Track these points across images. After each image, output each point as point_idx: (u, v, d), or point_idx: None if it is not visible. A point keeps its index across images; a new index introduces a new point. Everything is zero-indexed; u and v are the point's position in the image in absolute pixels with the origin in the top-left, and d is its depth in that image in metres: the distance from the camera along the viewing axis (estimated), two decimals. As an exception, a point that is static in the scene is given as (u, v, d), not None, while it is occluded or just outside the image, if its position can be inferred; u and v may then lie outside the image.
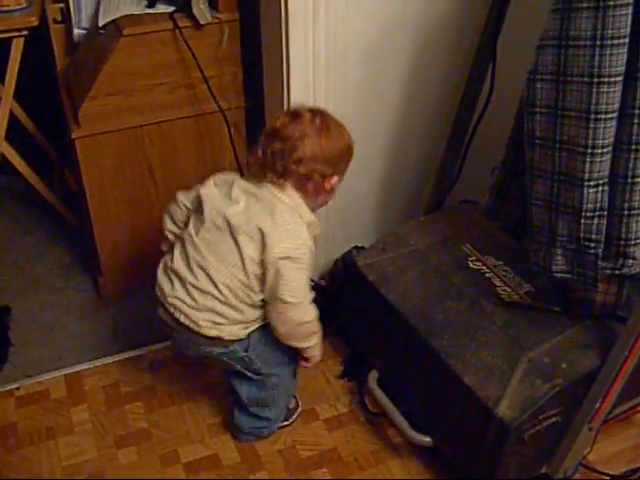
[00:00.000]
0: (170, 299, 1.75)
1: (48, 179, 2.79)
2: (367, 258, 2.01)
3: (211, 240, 1.72)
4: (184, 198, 1.85)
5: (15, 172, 2.65)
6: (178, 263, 1.75)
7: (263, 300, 1.76)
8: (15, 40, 2.35)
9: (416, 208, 2.36)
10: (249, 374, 1.87)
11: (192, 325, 1.74)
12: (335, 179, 1.75)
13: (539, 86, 1.50)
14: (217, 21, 2.08)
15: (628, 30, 1.34)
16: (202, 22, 2.04)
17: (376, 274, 1.96)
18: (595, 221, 1.52)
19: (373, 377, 2.00)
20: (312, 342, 1.86)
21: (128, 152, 2.19)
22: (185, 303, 1.74)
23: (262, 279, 1.71)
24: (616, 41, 1.35)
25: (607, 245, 1.56)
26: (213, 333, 1.75)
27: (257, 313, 1.79)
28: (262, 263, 1.68)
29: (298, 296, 1.73)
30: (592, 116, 1.41)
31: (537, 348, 1.68)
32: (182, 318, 1.75)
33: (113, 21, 2.09)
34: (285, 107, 2.02)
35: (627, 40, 1.35)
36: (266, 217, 1.68)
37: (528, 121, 1.55)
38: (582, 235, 1.54)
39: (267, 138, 1.69)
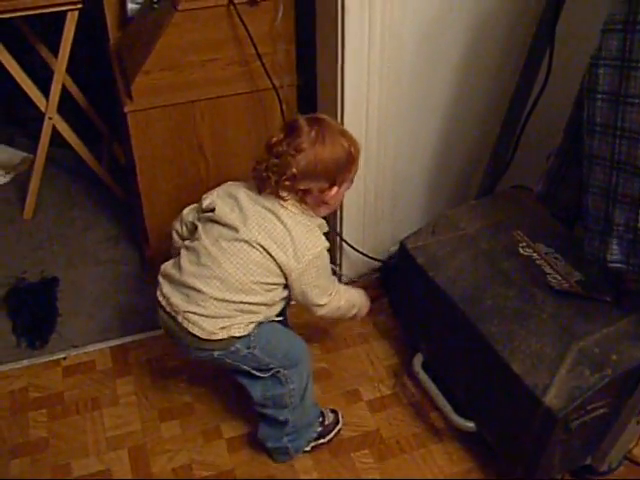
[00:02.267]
0: (185, 313, 1.68)
1: (97, 152, 2.82)
2: (416, 241, 1.99)
3: (228, 250, 1.67)
4: (190, 216, 1.85)
5: (65, 145, 2.68)
6: (190, 276, 1.69)
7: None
8: (69, 13, 2.37)
9: (467, 192, 2.34)
10: (258, 373, 1.78)
11: (204, 334, 1.68)
12: (335, 190, 1.72)
13: (602, 71, 1.47)
14: (272, -3, 2.07)
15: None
16: (257, -2, 2.04)
17: (425, 257, 1.95)
18: (654, 211, 1.49)
19: (418, 360, 2.00)
20: (353, 312, 1.94)
21: (179, 127, 2.19)
22: (201, 315, 1.67)
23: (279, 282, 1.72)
24: (686, 26, 1.32)
25: (665, 236, 1.53)
26: (223, 336, 1.69)
27: (263, 314, 1.75)
28: (285, 274, 1.69)
29: (328, 294, 1.80)
30: (656, 104, 1.38)
31: (587, 338, 1.66)
32: (196, 330, 1.68)
33: (168, -5, 2.09)
34: (339, 86, 2.01)
35: (697, 25, 1.32)
36: (281, 231, 1.68)
37: (588, 107, 1.52)
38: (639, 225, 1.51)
39: (265, 153, 1.69)
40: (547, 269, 1.84)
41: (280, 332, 1.83)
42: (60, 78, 2.51)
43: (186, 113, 2.17)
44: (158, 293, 1.76)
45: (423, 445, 1.98)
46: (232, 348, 1.71)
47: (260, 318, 1.73)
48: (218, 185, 2.29)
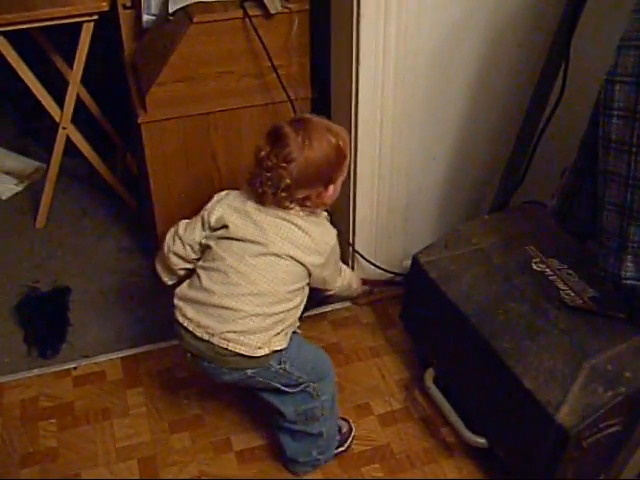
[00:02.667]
0: (223, 334, 1.65)
1: (110, 163, 2.83)
2: (429, 255, 1.99)
3: (258, 266, 1.67)
4: (194, 236, 1.79)
5: (78, 155, 2.68)
6: (222, 296, 1.67)
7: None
8: (85, 25, 2.39)
9: (480, 207, 2.34)
10: (288, 389, 1.76)
11: (248, 351, 1.66)
12: (331, 189, 1.72)
13: (618, 88, 1.47)
14: (287, 11, 2.07)
15: None
16: (272, 11, 2.04)
17: (438, 271, 1.94)
18: (669, 228, 1.48)
19: (430, 375, 1.99)
20: (353, 288, 2.14)
21: (193, 139, 2.20)
22: (241, 332, 1.66)
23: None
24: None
25: (679, 254, 1.53)
26: (265, 351, 1.68)
27: (293, 317, 1.76)
28: (309, 272, 1.73)
29: (340, 275, 1.97)
30: (673, 121, 1.38)
31: (600, 355, 1.65)
32: (238, 348, 1.65)
33: (183, 8, 2.09)
34: (353, 100, 2.01)
35: None
36: (300, 235, 1.69)
37: (604, 123, 1.52)
38: (655, 242, 1.51)
39: (255, 167, 1.68)
40: (560, 285, 1.83)
41: (306, 345, 1.84)
42: (75, 89, 2.52)
43: (200, 125, 2.18)
44: (181, 318, 1.71)
45: (434, 460, 1.97)
46: (266, 365, 1.70)
47: (289, 322, 1.74)
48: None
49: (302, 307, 1.80)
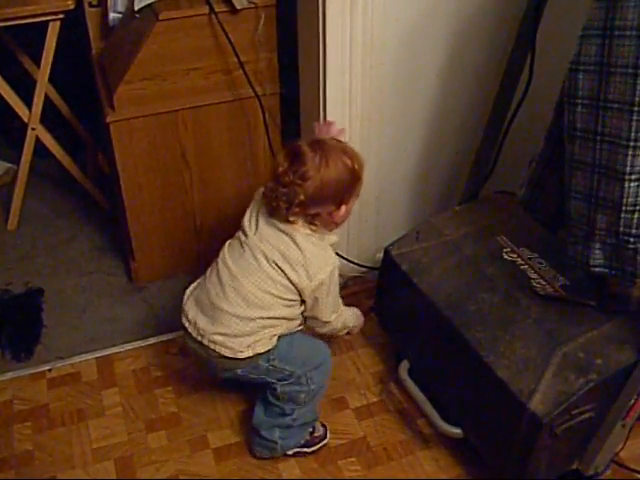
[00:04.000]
0: (211, 335, 1.75)
1: (81, 162, 2.81)
2: (400, 247, 1.99)
3: (247, 269, 1.75)
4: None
5: (49, 155, 2.67)
6: (215, 297, 1.77)
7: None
8: (51, 23, 2.37)
9: (451, 198, 2.34)
10: (281, 384, 1.83)
11: (230, 353, 1.75)
12: (343, 209, 1.77)
13: (581, 77, 1.47)
14: (253, 6, 2.07)
15: (676, 21, 1.31)
16: (238, 7, 2.03)
17: (409, 264, 1.95)
18: (635, 215, 1.49)
19: (404, 367, 1.99)
20: (349, 328, 2.02)
21: (162, 137, 2.19)
22: (226, 335, 1.74)
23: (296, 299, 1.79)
24: (663, 32, 1.32)
25: (647, 240, 1.54)
26: (248, 354, 1.75)
27: (287, 328, 1.82)
28: (299, 291, 1.76)
29: (336, 310, 1.89)
30: (636, 108, 1.38)
31: (572, 342, 1.66)
32: (222, 350, 1.75)
33: (149, 5, 2.08)
34: (321, 95, 2.01)
35: (674, 31, 1.32)
36: (295, 252, 1.74)
37: (569, 112, 1.53)
38: (621, 230, 1.51)
39: (273, 182, 1.73)
40: (531, 274, 1.84)
41: (299, 340, 1.87)
42: (42, 88, 2.50)
43: (169, 122, 2.17)
44: (184, 319, 1.82)
45: (410, 452, 1.97)
46: (253, 364, 1.77)
47: (281, 331, 1.80)
48: (202, 195, 2.32)
49: (297, 322, 1.85)
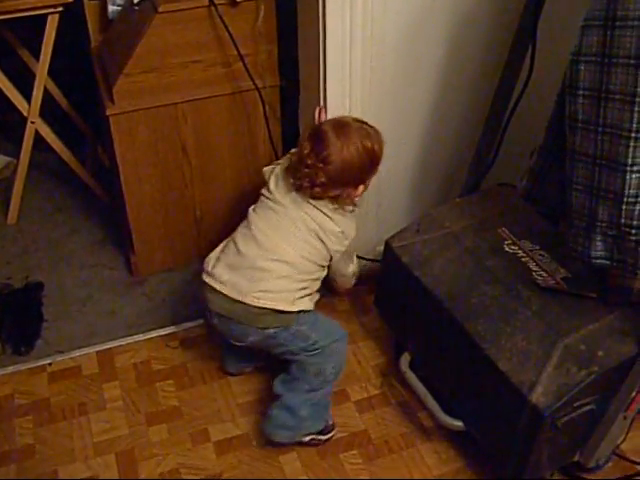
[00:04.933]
0: (255, 292, 1.80)
1: (81, 156, 2.80)
2: (401, 240, 1.99)
3: (291, 239, 1.84)
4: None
5: (49, 149, 2.66)
6: (256, 258, 1.82)
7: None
8: (50, 16, 2.36)
9: (452, 190, 2.34)
10: (305, 354, 1.87)
11: (280, 306, 1.81)
12: (361, 189, 1.89)
13: (582, 68, 1.47)
14: (253, -2, 2.06)
15: (678, 11, 1.31)
16: (238, -1, 2.03)
17: (410, 256, 1.94)
18: (637, 207, 1.48)
19: (405, 360, 1.99)
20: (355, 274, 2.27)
21: (162, 130, 2.19)
22: (271, 291, 1.81)
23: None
24: (665, 22, 1.31)
25: (648, 231, 1.53)
26: (293, 308, 1.83)
27: (316, 286, 1.93)
28: (332, 256, 1.91)
29: (353, 265, 2.19)
30: (637, 99, 1.37)
31: (573, 334, 1.65)
32: (269, 304, 1.80)
33: (148, -3, 2.08)
34: (321, 87, 2.00)
35: (678, 21, 1.32)
36: (329, 223, 1.85)
37: (570, 104, 1.52)
38: (623, 221, 1.51)
39: (297, 163, 1.83)
40: (532, 266, 1.83)
41: (322, 316, 1.95)
42: (42, 82, 2.49)
43: (168, 115, 2.17)
44: (214, 283, 1.84)
45: (412, 445, 1.97)
46: (289, 323, 1.84)
47: (314, 291, 1.92)
48: (202, 188, 2.31)
49: (321, 280, 1.96)
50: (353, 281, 2.31)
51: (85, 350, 2.23)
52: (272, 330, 1.83)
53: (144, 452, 1.96)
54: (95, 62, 2.34)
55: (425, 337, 1.96)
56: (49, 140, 2.62)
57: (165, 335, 2.28)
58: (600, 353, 1.62)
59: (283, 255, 1.82)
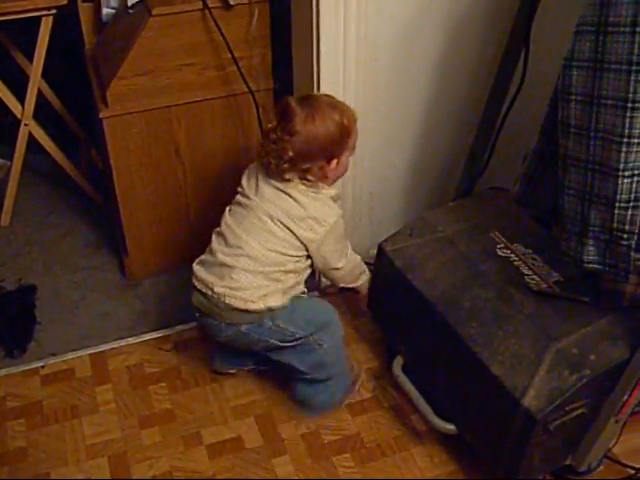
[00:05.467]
0: (221, 288, 1.81)
1: (75, 158, 2.80)
2: (394, 243, 1.99)
3: (252, 230, 1.82)
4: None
5: (42, 151, 2.66)
6: (221, 255, 1.83)
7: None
8: (44, 19, 2.36)
9: (445, 194, 2.34)
10: (286, 345, 1.88)
11: (241, 304, 1.80)
12: (334, 163, 1.81)
13: (575, 73, 1.47)
14: (247, 2, 2.06)
15: (670, 17, 1.31)
16: (232, 2, 2.03)
17: (403, 260, 1.94)
18: (629, 212, 1.49)
19: (398, 363, 1.99)
20: (362, 280, 2.09)
21: (155, 133, 2.19)
22: (236, 288, 1.80)
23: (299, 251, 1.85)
24: (657, 28, 1.32)
25: (640, 236, 1.54)
26: (259, 306, 1.80)
27: (293, 281, 1.88)
28: (305, 245, 1.83)
29: (345, 256, 1.96)
30: (629, 105, 1.38)
31: (565, 338, 1.66)
32: (232, 301, 1.80)
33: (142, 0, 2.08)
34: (315, 90, 2.01)
35: (668, 27, 1.32)
36: (296, 208, 1.80)
37: (563, 109, 1.53)
38: (615, 226, 1.51)
39: (264, 140, 1.81)
40: (525, 270, 1.84)
41: (302, 301, 1.93)
42: (35, 84, 2.49)
43: (162, 118, 2.17)
44: (193, 279, 1.89)
45: (404, 448, 1.97)
46: (259, 322, 1.82)
47: (291, 284, 1.87)
48: (196, 191, 2.31)
49: (304, 275, 1.92)
50: (359, 282, 2.11)
51: (78, 353, 2.22)
52: (244, 327, 1.84)
53: (137, 455, 1.95)
54: (89, 65, 2.34)
55: (418, 341, 1.97)
56: (42, 142, 2.62)
57: (158, 338, 2.27)
58: (592, 357, 1.62)
59: (246, 249, 1.80)
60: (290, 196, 1.80)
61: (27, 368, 2.17)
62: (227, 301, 1.80)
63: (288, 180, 1.80)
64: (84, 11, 2.38)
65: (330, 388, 2.00)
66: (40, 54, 2.43)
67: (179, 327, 2.31)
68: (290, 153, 1.74)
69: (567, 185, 1.58)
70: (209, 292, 1.83)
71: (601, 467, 1.87)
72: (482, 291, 1.81)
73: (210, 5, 2.02)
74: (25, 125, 2.54)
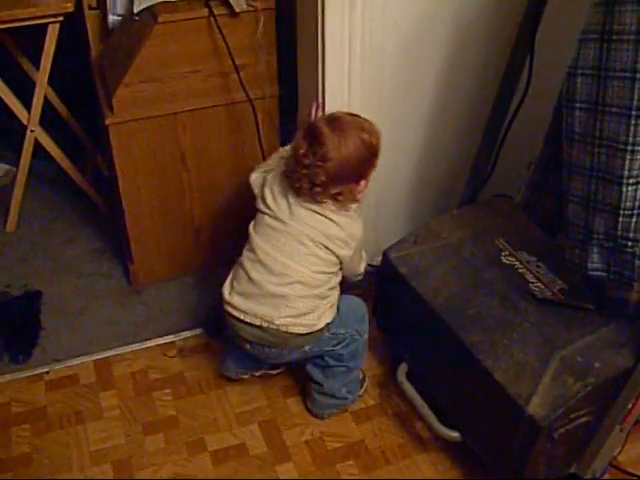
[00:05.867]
0: (280, 319, 1.81)
1: (80, 165, 2.81)
2: (399, 251, 1.99)
3: (295, 255, 1.82)
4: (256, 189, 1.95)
5: (48, 157, 2.67)
6: (269, 284, 1.82)
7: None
8: (50, 26, 2.37)
9: (449, 201, 2.34)
10: (339, 347, 1.95)
11: (306, 329, 1.84)
12: (362, 184, 1.84)
13: (579, 81, 1.47)
14: (252, 9, 2.06)
15: (674, 26, 1.32)
16: (237, 10, 2.03)
17: (408, 267, 1.94)
18: (633, 219, 1.49)
19: (402, 370, 1.99)
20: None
21: (161, 139, 2.19)
22: (296, 315, 1.82)
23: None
24: (661, 36, 1.32)
25: (645, 244, 1.54)
26: (320, 325, 1.86)
27: (334, 295, 1.92)
28: (341, 261, 1.87)
29: (364, 262, 2.01)
30: (634, 112, 1.38)
31: (570, 346, 1.66)
32: (297, 329, 1.83)
33: (148, 8, 2.08)
34: (320, 98, 2.01)
35: (673, 36, 1.32)
36: (333, 228, 1.82)
37: (567, 116, 1.53)
38: (619, 233, 1.51)
39: (294, 164, 1.79)
40: (530, 277, 1.84)
41: (340, 304, 1.96)
42: (42, 91, 2.50)
43: (167, 125, 2.17)
44: (235, 312, 1.87)
45: (408, 455, 1.97)
46: (321, 337, 1.88)
47: (335, 298, 1.92)
48: (201, 197, 2.31)
49: (339, 287, 1.95)
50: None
51: (83, 359, 2.23)
52: (307, 347, 1.89)
53: (140, 461, 1.95)
54: (95, 71, 2.34)
55: (422, 348, 1.97)
56: (48, 148, 2.62)
57: (163, 344, 2.28)
58: (596, 365, 1.62)
59: (295, 276, 1.81)
60: (326, 217, 1.81)
61: (32, 374, 2.18)
62: (291, 330, 1.83)
63: (321, 202, 1.80)
64: (90, 18, 2.38)
65: (349, 382, 2.04)
66: (46, 61, 2.43)
67: (183, 334, 2.31)
68: (323, 178, 1.74)
69: (571, 193, 1.58)
70: (267, 325, 1.83)
71: (606, 475, 1.86)
72: (486, 298, 1.81)
73: (216, 12, 2.02)
74: (31, 131, 2.55)
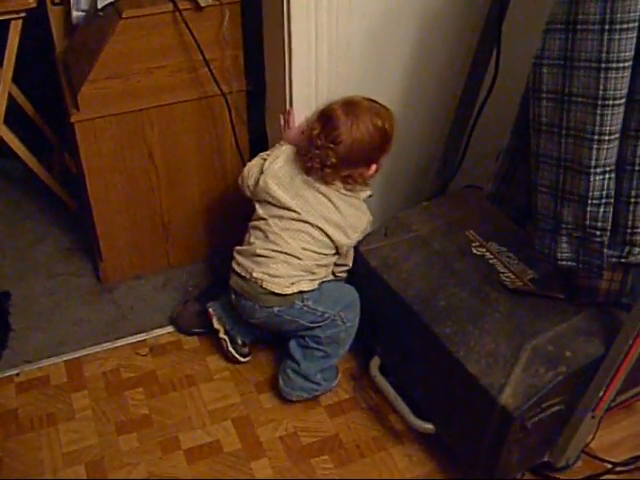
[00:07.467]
0: (259, 273, 1.91)
1: (47, 163, 2.77)
2: (369, 244, 2.00)
3: (291, 229, 1.90)
4: (252, 180, 2.01)
5: (14, 156, 2.63)
6: (260, 248, 1.92)
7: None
8: (13, 22, 2.33)
9: (419, 193, 2.34)
10: (317, 325, 1.97)
11: (277, 288, 1.90)
12: (373, 168, 1.90)
13: (545, 71, 1.48)
14: (217, 3, 2.05)
15: (638, 14, 1.32)
16: (202, 4, 2.02)
17: (378, 260, 1.95)
18: (601, 209, 1.50)
19: (375, 364, 1.99)
20: None
21: (128, 136, 2.17)
22: (273, 275, 1.90)
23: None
24: (625, 25, 1.33)
25: (613, 233, 1.55)
26: (293, 290, 1.91)
27: (323, 272, 1.98)
28: (337, 247, 1.95)
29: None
30: (599, 102, 1.39)
31: (541, 336, 1.67)
32: (269, 285, 1.90)
33: (112, 3, 2.06)
34: (287, 90, 2.00)
35: (637, 25, 1.33)
36: (335, 214, 1.90)
37: (534, 107, 1.53)
38: (588, 223, 1.52)
39: (306, 145, 1.87)
40: (500, 268, 1.85)
41: (329, 284, 2.02)
42: (6, 88, 2.46)
43: (134, 122, 2.15)
44: (234, 263, 2.00)
45: (383, 448, 1.97)
46: (291, 303, 1.93)
47: (321, 276, 1.97)
48: (169, 194, 2.29)
49: (331, 269, 2.03)
50: None
51: (53, 359, 2.20)
52: (276, 309, 1.93)
53: (114, 461, 1.94)
54: (60, 68, 2.32)
55: (394, 340, 1.97)
56: (14, 147, 2.59)
57: (134, 343, 2.25)
58: (568, 354, 1.63)
59: (284, 247, 1.89)
60: (330, 201, 1.89)
61: (2, 376, 2.15)
62: (264, 285, 1.90)
63: (330, 183, 1.87)
64: (54, 14, 2.35)
65: (325, 369, 2.04)
66: (10, 58, 2.39)
67: (155, 331, 2.29)
68: (333, 160, 1.81)
69: (539, 183, 1.59)
70: (248, 276, 1.93)
71: (579, 463, 1.87)
72: (457, 290, 1.81)
73: (180, 7, 2.01)
74: (-4, 130, 2.52)
